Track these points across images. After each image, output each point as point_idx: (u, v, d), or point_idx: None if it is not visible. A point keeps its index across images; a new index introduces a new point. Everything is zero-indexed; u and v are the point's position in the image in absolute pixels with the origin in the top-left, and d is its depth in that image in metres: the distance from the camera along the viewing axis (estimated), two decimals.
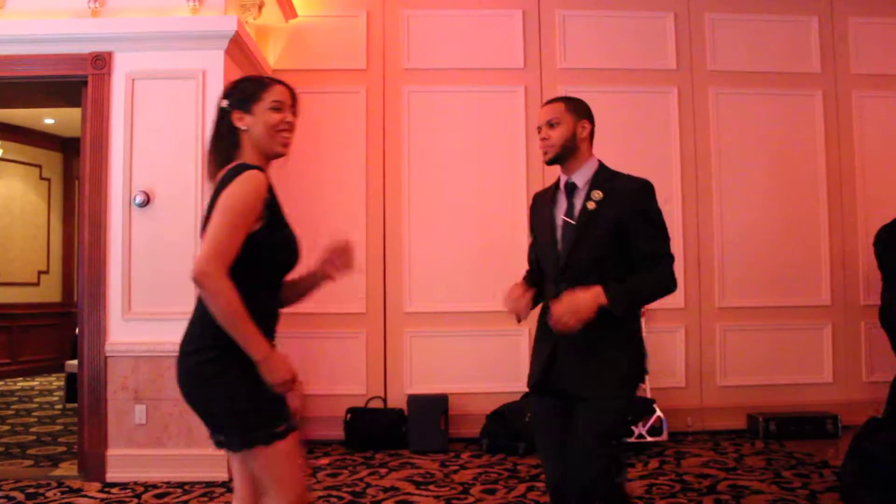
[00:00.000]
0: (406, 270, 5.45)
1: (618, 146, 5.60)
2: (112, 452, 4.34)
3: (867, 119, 5.78)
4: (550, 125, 2.52)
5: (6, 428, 5.96)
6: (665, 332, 5.55)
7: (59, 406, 6.86)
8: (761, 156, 5.70)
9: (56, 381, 8.36)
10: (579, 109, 2.57)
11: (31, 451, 5.11)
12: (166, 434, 4.35)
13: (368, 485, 4.23)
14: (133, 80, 4.47)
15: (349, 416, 5.22)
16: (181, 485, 4.20)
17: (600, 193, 2.44)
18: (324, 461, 4.80)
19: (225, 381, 2.02)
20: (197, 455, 4.31)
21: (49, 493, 4.06)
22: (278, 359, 2.03)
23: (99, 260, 4.43)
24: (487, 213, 5.54)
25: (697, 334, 5.61)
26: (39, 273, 9.25)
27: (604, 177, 2.52)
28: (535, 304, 2.58)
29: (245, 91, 2.17)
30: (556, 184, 2.61)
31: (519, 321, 2.53)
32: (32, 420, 6.30)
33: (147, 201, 4.39)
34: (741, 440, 5.26)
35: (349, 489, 4.13)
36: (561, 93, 5.58)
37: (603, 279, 2.33)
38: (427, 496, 3.99)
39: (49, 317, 9.24)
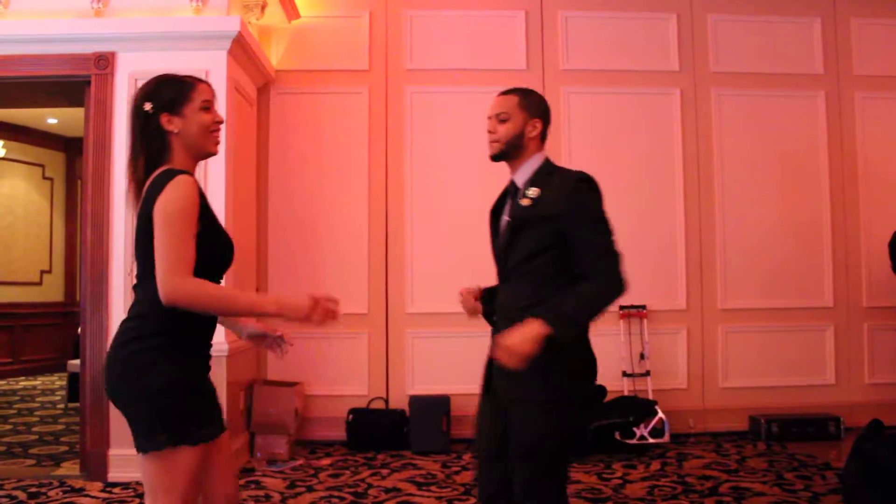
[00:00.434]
0: (408, 271, 5.45)
1: (620, 147, 5.61)
2: (114, 452, 4.34)
3: (870, 120, 5.77)
4: (500, 119, 2.36)
5: (8, 427, 5.97)
6: (667, 334, 5.55)
7: (62, 405, 6.86)
8: (764, 157, 5.70)
9: (58, 381, 8.37)
10: (533, 106, 2.38)
11: (33, 451, 5.12)
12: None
13: (370, 485, 4.23)
14: (136, 80, 4.46)
15: (351, 416, 5.22)
16: None
17: (536, 191, 2.31)
18: (326, 462, 4.80)
19: (161, 368, 1.99)
20: None
21: (51, 493, 4.06)
22: (291, 301, 2.01)
23: (101, 259, 4.43)
24: (487, 214, 5.52)
25: (699, 336, 5.60)
26: (42, 272, 9.26)
27: (544, 173, 2.35)
28: (489, 301, 2.54)
29: (171, 93, 2.11)
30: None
31: (471, 316, 2.58)
32: (34, 419, 6.31)
33: None
34: (743, 442, 5.25)
35: (351, 490, 4.13)
36: (563, 94, 5.62)
37: (540, 280, 2.25)
38: (429, 497, 3.99)
39: (51, 316, 9.25)
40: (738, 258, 5.63)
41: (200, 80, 2.17)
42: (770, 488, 4.04)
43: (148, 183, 2.06)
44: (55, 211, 9.48)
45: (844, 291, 5.70)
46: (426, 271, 5.44)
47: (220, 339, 4.38)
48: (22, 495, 3.99)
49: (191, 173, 2.09)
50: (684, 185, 5.63)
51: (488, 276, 5.87)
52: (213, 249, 2.08)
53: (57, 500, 3.96)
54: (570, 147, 5.57)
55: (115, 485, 4.23)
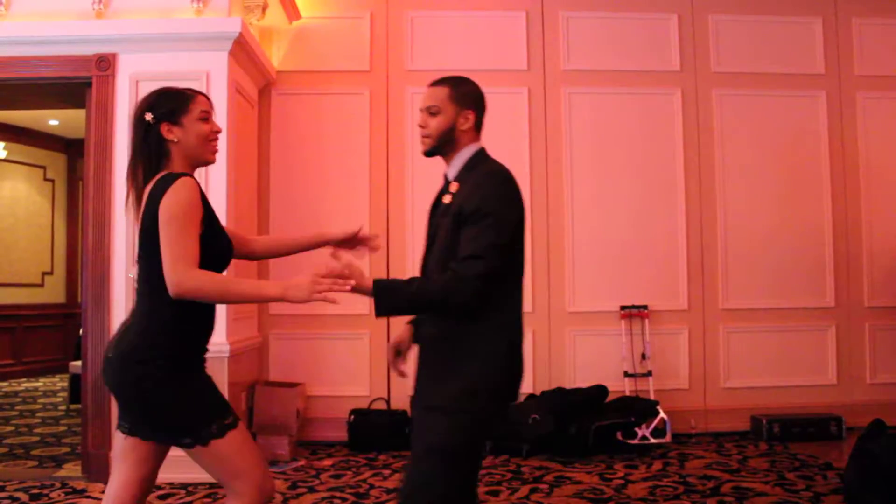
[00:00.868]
0: (409, 272, 5.45)
1: (621, 148, 5.61)
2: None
3: (871, 120, 5.77)
4: (430, 112, 2.22)
5: (10, 429, 5.97)
6: (668, 334, 5.55)
7: (63, 407, 6.87)
8: (765, 157, 5.69)
9: (60, 382, 8.38)
10: (465, 97, 2.23)
11: (35, 452, 5.12)
12: None
13: (372, 486, 4.22)
14: (137, 81, 4.47)
15: (352, 417, 5.22)
16: (185, 486, 4.21)
17: (456, 185, 2.19)
18: (327, 462, 4.80)
19: (172, 388, 2.14)
20: None
21: (53, 494, 4.06)
22: (293, 281, 2.07)
23: (103, 261, 4.44)
24: None
25: (701, 336, 5.60)
26: (44, 274, 9.27)
27: (468, 167, 2.21)
28: None
29: (171, 104, 2.22)
30: None
31: None
32: (36, 421, 6.31)
33: None
34: (745, 442, 5.25)
35: (353, 490, 4.13)
36: (563, 94, 5.61)
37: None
38: None
39: (53, 318, 9.26)
40: (739, 258, 5.63)
41: (199, 93, 2.28)
42: (772, 488, 4.04)
43: (149, 188, 2.15)
44: (56, 212, 9.49)
45: (846, 291, 5.70)
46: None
47: (222, 339, 4.38)
48: (24, 497, 3.99)
49: (192, 175, 2.20)
50: (685, 186, 5.63)
51: None
52: (213, 250, 2.18)
53: (59, 501, 3.96)
54: (570, 147, 5.57)
55: None
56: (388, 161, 5.56)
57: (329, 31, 5.62)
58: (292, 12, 5.45)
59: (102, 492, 4.10)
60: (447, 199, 2.20)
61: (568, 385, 5.38)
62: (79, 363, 5.09)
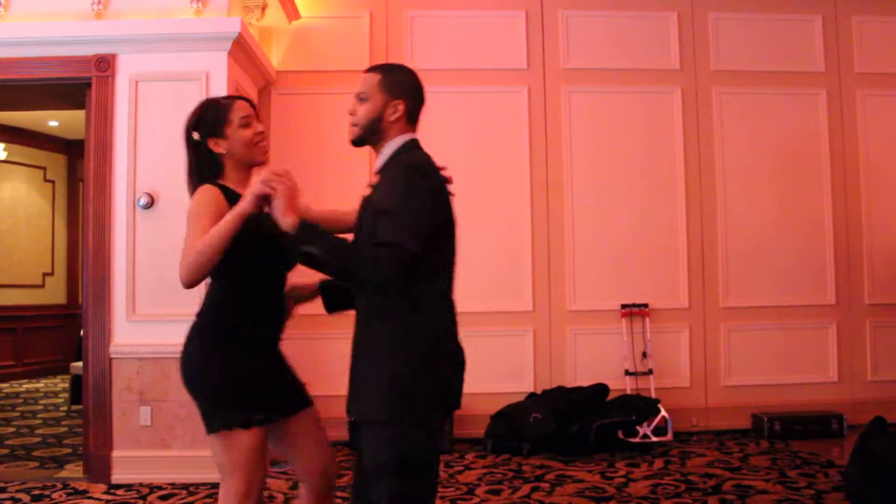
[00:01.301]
0: None
1: (621, 146, 5.61)
2: (117, 454, 4.34)
3: (871, 118, 5.77)
4: (359, 99, 2.11)
5: (11, 430, 5.98)
6: (669, 332, 5.55)
7: (65, 408, 6.87)
8: (765, 155, 5.69)
9: (61, 383, 8.38)
10: (395, 86, 2.12)
11: (36, 453, 5.12)
12: (171, 435, 4.35)
13: None
14: (137, 81, 4.47)
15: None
16: (186, 486, 4.21)
17: (377, 178, 2.08)
18: None
19: (213, 361, 2.23)
20: (202, 456, 4.30)
21: (55, 495, 4.07)
22: (250, 189, 2.07)
23: (103, 262, 4.43)
24: (490, 214, 5.53)
25: (702, 334, 5.60)
26: (44, 275, 9.27)
27: (392, 159, 2.11)
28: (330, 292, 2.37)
29: (211, 117, 2.29)
30: None
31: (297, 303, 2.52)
32: (38, 422, 6.32)
33: (151, 203, 4.40)
34: (746, 440, 5.25)
35: None
36: (563, 93, 5.61)
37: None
38: None
39: (54, 318, 9.26)
40: (739, 256, 5.62)
41: (237, 99, 2.35)
42: (773, 486, 4.04)
43: None
44: (57, 213, 9.48)
45: (847, 289, 5.69)
46: None
47: None
48: (25, 497, 3.99)
49: (216, 184, 2.25)
50: (686, 184, 5.63)
51: (491, 277, 5.88)
52: (250, 247, 2.20)
53: (60, 502, 3.96)
54: (571, 146, 5.57)
55: (118, 486, 4.23)
56: None
57: (329, 31, 5.62)
58: (292, 12, 5.45)
59: (104, 492, 4.12)
60: (368, 191, 2.11)
61: (569, 384, 5.38)
62: (80, 364, 5.09)
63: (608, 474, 4.38)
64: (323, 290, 2.39)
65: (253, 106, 2.36)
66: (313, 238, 1.90)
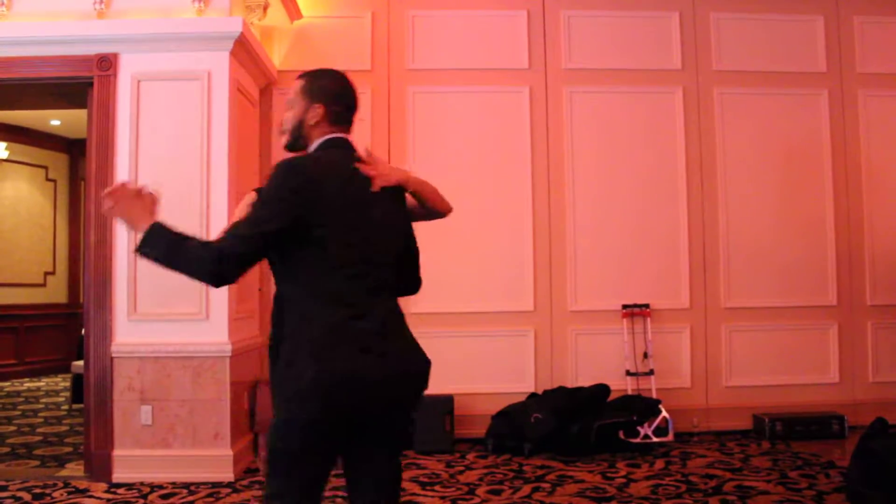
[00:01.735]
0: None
1: (623, 146, 5.61)
2: (118, 453, 4.35)
3: (873, 118, 5.76)
4: (288, 105, 2.17)
5: (13, 428, 5.98)
6: (670, 333, 5.55)
7: (66, 407, 6.87)
8: (767, 155, 5.69)
9: (62, 382, 8.39)
10: (316, 91, 2.14)
11: (37, 452, 5.13)
12: (172, 435, 4.36)
13: None
14: (139, 81, 4.48)
15: None
16: (187, 485, 4.21)
17: None
18: None
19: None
20: (202, 456, 4.32)
21: (56, 494, 4.07)
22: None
23: (105, 261, 4.44)
24: (492, 213, 5.54)
25: (703, 335, 5.60)
26: (46, 274, 9.28)
27: None
28: None
29: None
30: None
31: None
32: (39, 421, 6.32)
33: None
34: (747, 440, 5.24)
35: None
36: (565, 93, 5.61)
37: (281, 284, 2.06)
38: (433, 497, 3.99)
39: (55, 318, 9.27)
40: (741, 257, 5.62)
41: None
42: (774, 487, 4.04)
43: None
44: (58, 212, 9.49)
45: (848, 290, 5.69)
46: (429, 271, 5.39)
47: (224, 339, 4.40)
48: (27, 496, 4.00)
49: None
50: (687, 184, 5.63)
51: (492, 277, 5.88)
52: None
53: (61, 500, 3.97)
54: (572, 146, 5.57)
55: (119, 485, 4.23)
56: (388, 160, 5.56)
57: (330, 31, 5.62)
58: (293, 12, 5.45)
59: (105, 491, 4.12)
60: None
61: (570, 384, 5.38)
62: (81, 363, 5.09)
63: (609, 475, 4.38)
64: None
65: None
66: (151, 240, 1.97)
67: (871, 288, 5.69)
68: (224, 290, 4.26)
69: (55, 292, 9.38)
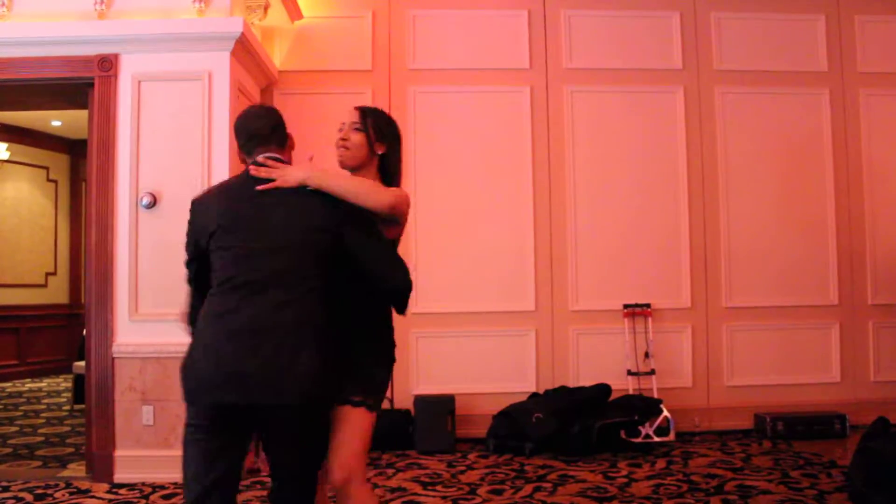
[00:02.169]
0: (412, 271, 5.43)
1: (623, 146, 5.61)
2: (120, 453, 4.35)
3: (874, 117, 5.76)
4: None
5: (14, 429, 5.99)
6: (672, 332, 5.54)
7: (67, 407, 6.88)
8: (768, 155, 5.69)
9: (64, 383, 8.40)
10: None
11: (39, 452, 5.13)
12: (174, 435, 4.35)
13: (375, 485, 4.22)
14: (139, 81, 4.48)
15: None
16: None
17: None
18: None
19: None
20: None
21: (57, 494, 4.07)
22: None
23: (106, 261, 4.44)
24: (493, 213, 5.54)
25: (704, 334, 5.60)
26: (47, 274, 9.28)
27: None
28: None
29: None
30: None
31: None
32: (40, 421, 6.33)
33: (154, 203, 4.41)
34: (748, 440, 5.24)
35: None
36: (565, 93, 5.61)
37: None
38: (434, 497, 3.99)
39: (57, 318, 9.27)
40: (742, 256, 5.62)
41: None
42: (776, 486, 4.03)
43: None
44: (60, 213, 9.50)
45: (849, 289, 5.69)
46: (430, 271, 5.44)
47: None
48: (28, 497, 4.00)
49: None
50: (688, 183, 5.63)
51: (493, 277, 5.88)
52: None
53: (63, 501, 3.97)
54: (573, 146, 5.57)
55: (121, 486, 4.24)
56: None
57: (331, 31, 5.62)
58: (294, 12, 5.45)
59: (106, 491, 4.13)
60: None
61: (571, 384, 5.38)
62: (82, 363, 5.09)
63: (610, 474, 4.37)
64: None
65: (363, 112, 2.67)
66: None
67: (872, 287, 5.69)
68: None
69: (56, 293, 9.38)
